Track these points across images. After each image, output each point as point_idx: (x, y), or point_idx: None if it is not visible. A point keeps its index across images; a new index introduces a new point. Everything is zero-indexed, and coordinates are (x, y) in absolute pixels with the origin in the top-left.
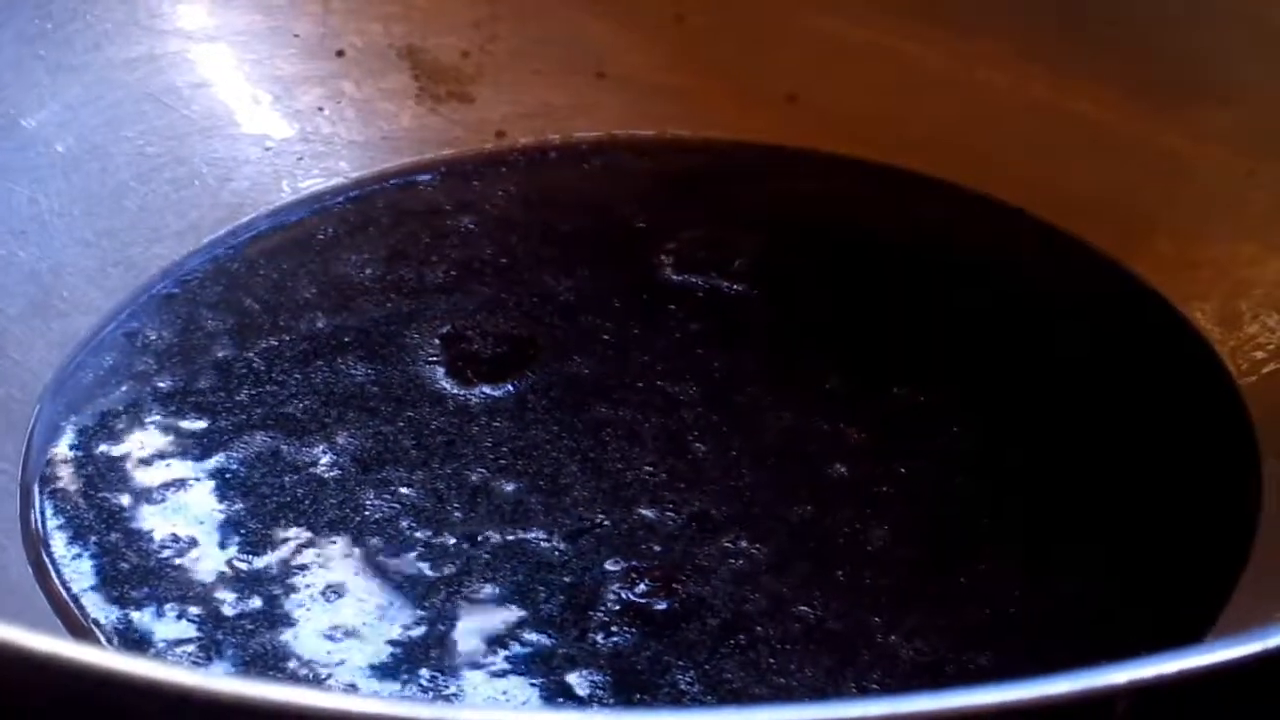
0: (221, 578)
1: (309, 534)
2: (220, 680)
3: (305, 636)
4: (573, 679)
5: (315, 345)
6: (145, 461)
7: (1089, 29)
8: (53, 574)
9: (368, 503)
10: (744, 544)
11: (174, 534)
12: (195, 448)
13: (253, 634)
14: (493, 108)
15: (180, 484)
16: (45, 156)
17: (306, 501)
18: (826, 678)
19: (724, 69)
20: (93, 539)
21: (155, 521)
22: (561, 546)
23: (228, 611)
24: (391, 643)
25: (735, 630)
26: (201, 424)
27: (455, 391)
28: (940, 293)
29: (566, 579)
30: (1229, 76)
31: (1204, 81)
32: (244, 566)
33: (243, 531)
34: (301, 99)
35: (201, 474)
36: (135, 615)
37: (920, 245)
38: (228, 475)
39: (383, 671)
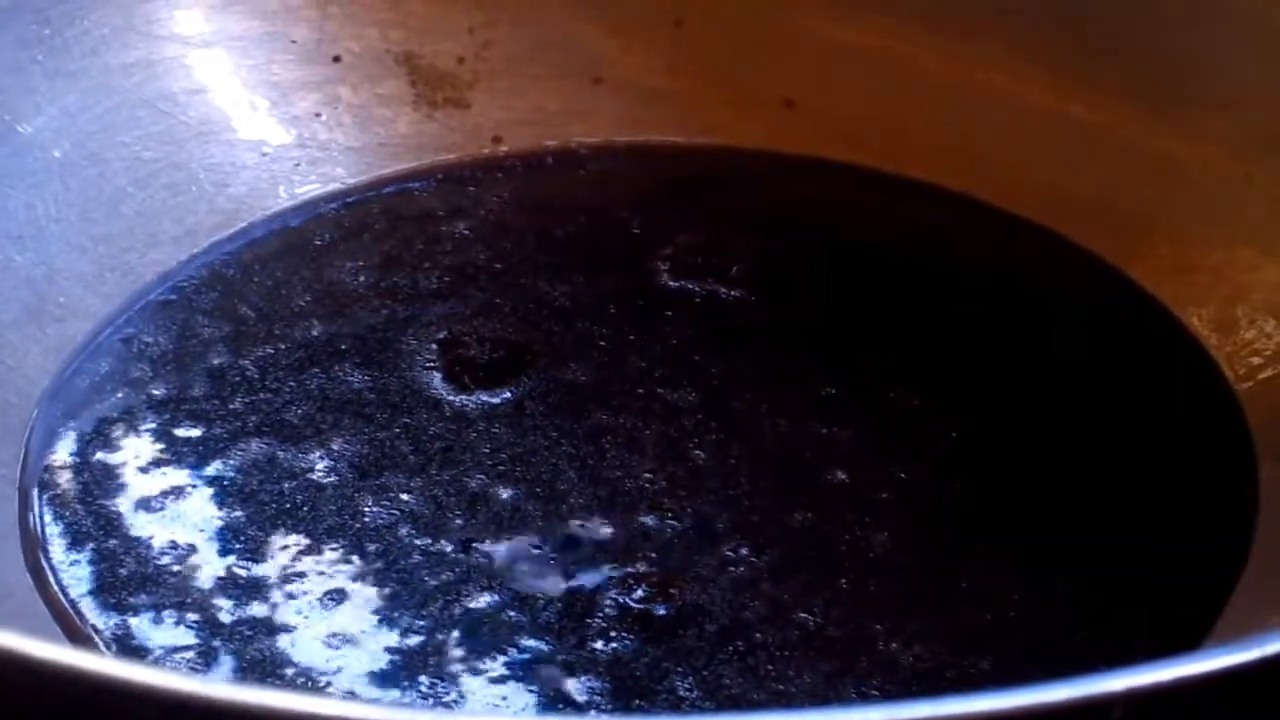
0: (219, 584)
1: (308, 540)
2: (218, 686)
3: (304, 643)
4: (571, 685)
5: (311, 352)
6: (143, 468)
7: (1086, 33)
8: (51, 579)
9: (366, 509)
10: (744, 551)
11: (172, 540)
12: (192, 455)
13: (251, 640)
14: (489, 113)
15: (178, 490)
16: (42, 162)
17: (305, 508)
18: (826, 684)
19: (721, 74)
20: (90, 545)
21: (153, 528)
22: (559, 553)
23: (225, 618)
24: (390, 650)
25: (734, 636)
26: (199, 431)
27: (452, 397)
28: (937, 297)
29: (564, 585)
30: (1226, 79)
31: (1201, 85)
32: (242, 573)
33: (242, 538)
34: (298, 104)
35: (199, 481)
36: (133, 621)
37: (917, 250)
38: (225, 482)
39: (382, 678)
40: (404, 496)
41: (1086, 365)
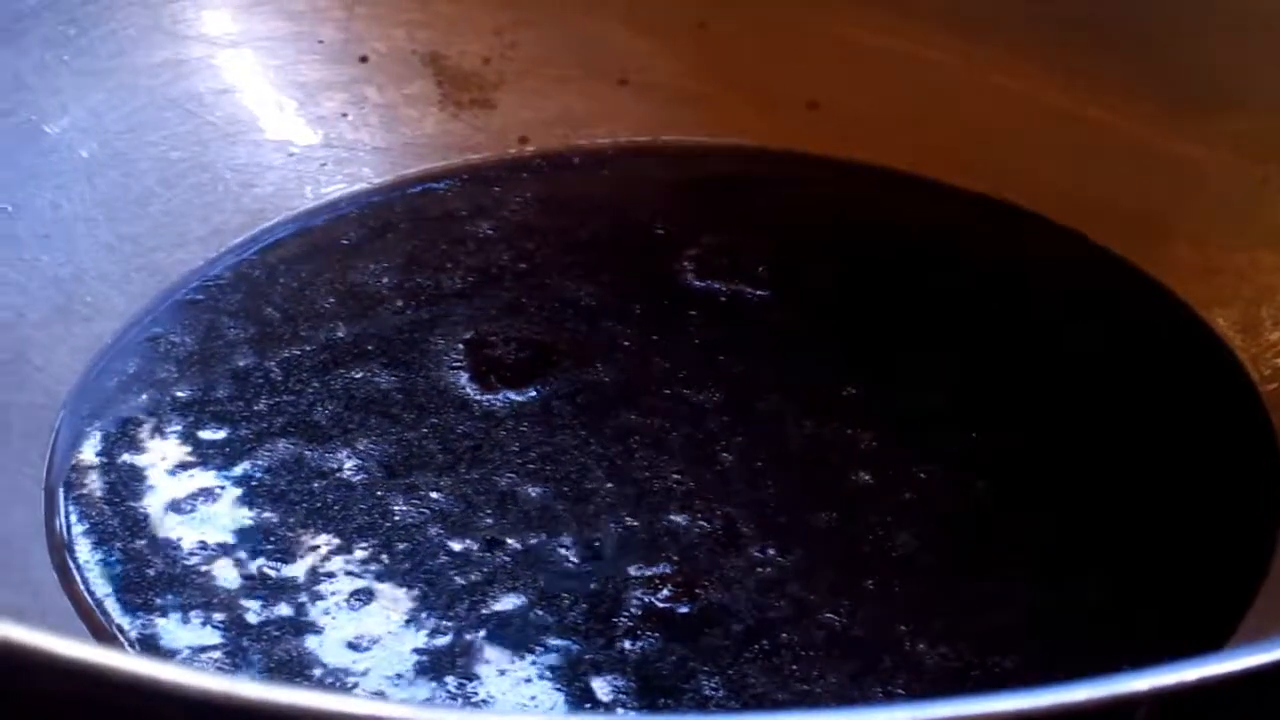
0: (247, 584)
1: (337, 540)
2: (245, 685)
3: (331, 644)
4: (598, 684)
5: (336, 354)
6: (169, 468)
7: (1105, 35)
8: (77, 579)
9: (396, 508)
10: (769, 551)
11: (199, 541)
12: (219, 456)
13: (278, 641)
14: (515, 114)
15: (205, 490)
16: (68, 161)
17: (336, 507)
18: (850, 683)
19: (746, 76)
20: (117, 545)
21: (180, 529)
22: (587, 553)
23: (253, 618)
24: (418, 650)
25: (759, 636)
26: (225, 432)
27: (479, 397)
28: (958, 297)
29: (592, 585)
30: (1243, 82)
31: (1218, 87)
32: (271, 573)
33: (270, 539)
34: (325, 105)
35: (226, 481)
36: (160, 621)
37: (939, 251)
38: (253, 483)
39: (410, 679)
40: (434, 495)
41: (1110, 366)
